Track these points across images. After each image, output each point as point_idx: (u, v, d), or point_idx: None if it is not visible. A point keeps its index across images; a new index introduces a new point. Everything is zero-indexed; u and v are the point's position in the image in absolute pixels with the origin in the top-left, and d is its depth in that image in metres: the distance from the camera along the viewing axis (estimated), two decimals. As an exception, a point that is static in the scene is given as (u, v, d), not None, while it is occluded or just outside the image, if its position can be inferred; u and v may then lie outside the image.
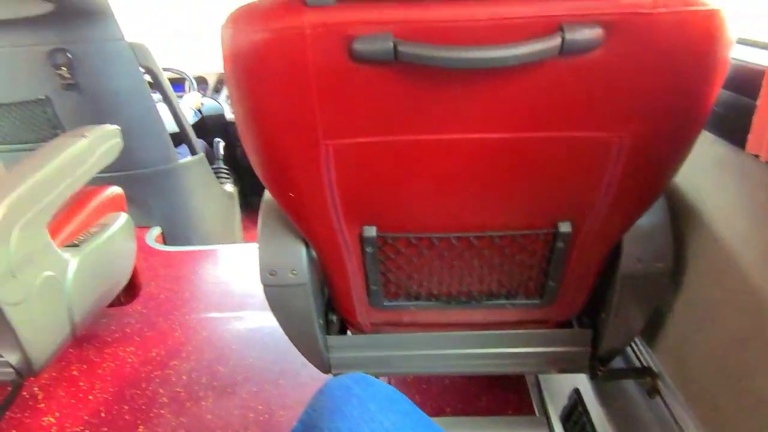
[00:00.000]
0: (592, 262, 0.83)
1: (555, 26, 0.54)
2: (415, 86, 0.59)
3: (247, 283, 1.85)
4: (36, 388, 1.39)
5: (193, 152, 2.26)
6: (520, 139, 0.65)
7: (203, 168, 2.32)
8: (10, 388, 1.31)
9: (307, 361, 1.00)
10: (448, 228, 0.79)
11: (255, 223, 2.87)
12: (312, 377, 1.38)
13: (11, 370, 1.04)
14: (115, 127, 1.30)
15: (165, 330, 1.60)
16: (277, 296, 0.89)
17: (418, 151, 0.66)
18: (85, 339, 1.54)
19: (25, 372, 1.05)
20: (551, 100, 0.60)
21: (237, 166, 2.97)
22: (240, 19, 0.59)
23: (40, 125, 1.90)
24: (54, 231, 1.10)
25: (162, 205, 2.19)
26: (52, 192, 1.05)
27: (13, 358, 1.02)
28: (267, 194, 0.90)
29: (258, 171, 0.75)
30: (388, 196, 0.74)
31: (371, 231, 0.79)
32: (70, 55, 1.75)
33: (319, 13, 0.56)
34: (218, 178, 2.53)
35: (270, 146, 0.68)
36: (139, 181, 2.07)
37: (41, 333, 1.04)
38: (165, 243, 2.19)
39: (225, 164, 2.70)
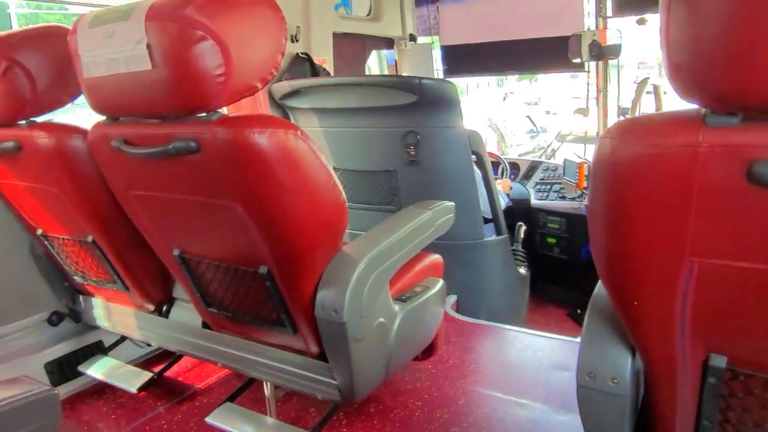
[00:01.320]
0: None
1: None
2: None
3: (531, 370, 1.83)
4: (341, 414, 1.61)
5: (498, 233, 2.39)
6: None
7: (504, 248, 2.43)
8: (328, 408, 1.55)
9: None
10: None
11: (539, 307, 2.78)
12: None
13: (337, 392, 1.24)
14: (452, 204, 1.48)
15: (450, 395, 1.68)
16: (590, 399, 0.86)
17: None
18: (383, 383, 1.72)
19: (347, 398, 1.24)
20: None
21: (533, 251, 3.01)
22: (626, 131, 0.62)
23: (383, 191, 2.28)
24: (390, 284, 1.29)
25: (462, 276, 2.35)
26: (400, 252, 1.25)
27: (343, 383, 1.22)
28: (599, 289, 0.89)
29: (601, 270, 0.76)
30: (753, 327, 0.66)
31: (720, 361, 0.71)
32: (418, 137, 2.07)
33: (718, 132, 0.55)
34: (515, 259, 2.61)
35: (625, 251, 0.69)
36: (448, 251, 2.28)
37: (367, 370, 1.22)
38: (457, 311, 2.33)
39: (522, 248, 2.78)
